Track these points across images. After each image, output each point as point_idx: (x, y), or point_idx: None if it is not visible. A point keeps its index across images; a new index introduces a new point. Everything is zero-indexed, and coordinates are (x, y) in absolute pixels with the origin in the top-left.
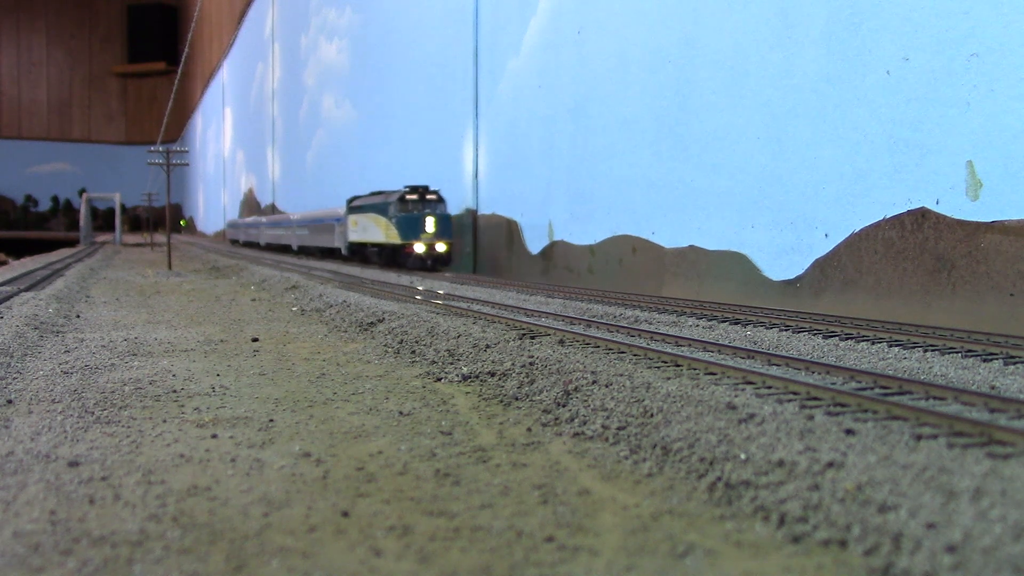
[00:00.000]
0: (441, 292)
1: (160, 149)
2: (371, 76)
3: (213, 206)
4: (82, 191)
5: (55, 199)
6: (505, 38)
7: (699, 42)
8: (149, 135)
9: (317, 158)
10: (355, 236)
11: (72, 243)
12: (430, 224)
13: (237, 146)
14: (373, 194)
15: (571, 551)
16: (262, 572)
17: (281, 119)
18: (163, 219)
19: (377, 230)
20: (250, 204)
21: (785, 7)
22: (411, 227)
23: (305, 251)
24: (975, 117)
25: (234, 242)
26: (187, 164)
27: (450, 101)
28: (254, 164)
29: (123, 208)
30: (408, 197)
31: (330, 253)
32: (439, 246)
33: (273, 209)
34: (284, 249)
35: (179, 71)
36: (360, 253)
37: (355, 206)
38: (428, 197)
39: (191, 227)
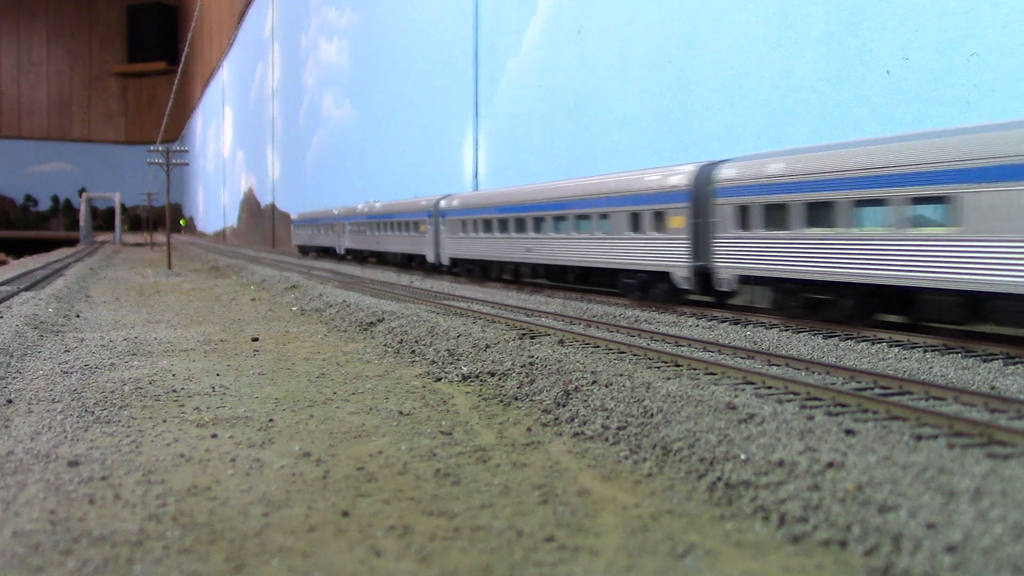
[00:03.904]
0: (441, 291)
1: (160, 149)
2: (371, 76)
3: (213, 206)
4: (82, 191)
5: (55, 199)
6: (505, 38)
7: (699, 42)
8: (149, 135)
9: (317, 158)
10: None
11: (72, 243)
12: None
13: (237, 146)
14: None
15: (571, 551)
16: (262, 572)
17: (281, 119)
18: (163, 219)
19: None
20: (250, 204)
21: (785, 7)
22: None
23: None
24: (975, 117)
25: (307, 251)
26: (187, 164)
27: (450, 101)
28: (254, 164)
29: (123, 208)
30: None
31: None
32: None
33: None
34: (562, 274)
35: (179, 71)
36: None
37: None
38: None
39: (191, 227)
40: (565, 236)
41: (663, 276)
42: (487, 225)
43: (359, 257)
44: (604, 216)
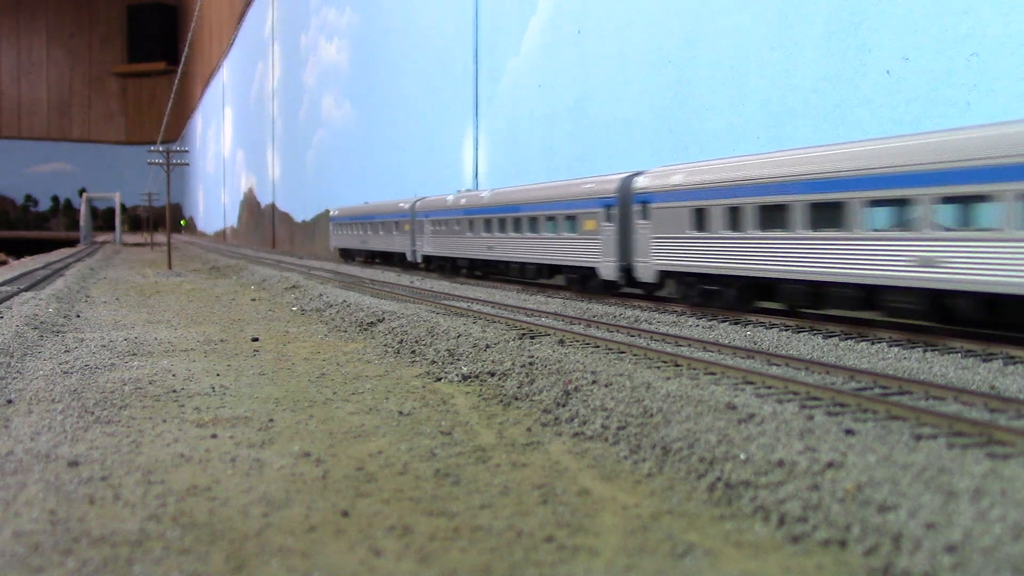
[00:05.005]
0: (441, 291)
1: (160, 149)
2: (371, 76)
3: (213, 206)
4: (82, 191)
5: (55, 199)
6: (505, 38)
7: (699, 42)
8: (149, 135)
9: (317, 158)
10: None
11: (72, 243)
12: None
13: (237, 146)
14: None
15: (571, 551)
16: (262, 572)
17: (281, 119)
18: (163, 219)
19: None
20: (250, 204)
21: (785, 7)
22: None
23: None
24: (975, 117)
25: (353, 257)
26: (187, 164)
27: (450, 101)
28: (254, 164)
29: (123, 208)
30: None
31: None
32: None
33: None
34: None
35: (179, 71)
36: None
37: None
38: None
39: (191, 227)
40: None
41: None
42: (767, 216)
43: (446, 268)
44: None
